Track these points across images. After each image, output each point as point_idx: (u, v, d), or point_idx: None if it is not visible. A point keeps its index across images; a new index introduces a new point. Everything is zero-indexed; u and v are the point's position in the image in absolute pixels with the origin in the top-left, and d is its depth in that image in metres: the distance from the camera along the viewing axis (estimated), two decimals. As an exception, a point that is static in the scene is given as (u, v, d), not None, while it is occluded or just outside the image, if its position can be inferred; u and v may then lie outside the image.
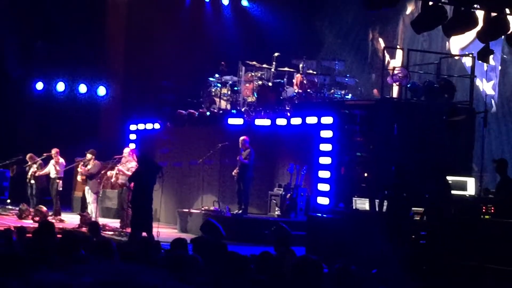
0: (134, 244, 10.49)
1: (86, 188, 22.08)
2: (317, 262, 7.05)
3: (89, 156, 21.88)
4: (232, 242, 11.47)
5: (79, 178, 22.64)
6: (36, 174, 23.43)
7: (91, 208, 21.55)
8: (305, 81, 22.54)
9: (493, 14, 14.33)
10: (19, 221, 21.40)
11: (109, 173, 21.77)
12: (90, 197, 21.73)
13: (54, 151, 23.33)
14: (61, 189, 23.49)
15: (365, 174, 18.46)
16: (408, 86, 19.88)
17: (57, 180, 23.16)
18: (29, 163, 23.71)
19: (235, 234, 17.35)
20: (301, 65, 22.72)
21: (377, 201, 15.32)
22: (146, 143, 25.24)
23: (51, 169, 23.21)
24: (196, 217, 20.72)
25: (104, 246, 8.44)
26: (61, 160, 23.44)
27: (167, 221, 22.24)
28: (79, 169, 22.52)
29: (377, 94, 23.17)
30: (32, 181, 23.63)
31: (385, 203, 15.06)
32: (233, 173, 20.85)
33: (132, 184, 18.02)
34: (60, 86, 29.19)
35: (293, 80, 22.77)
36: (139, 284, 5.73)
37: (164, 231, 18.55)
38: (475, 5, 14.15)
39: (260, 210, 21.23)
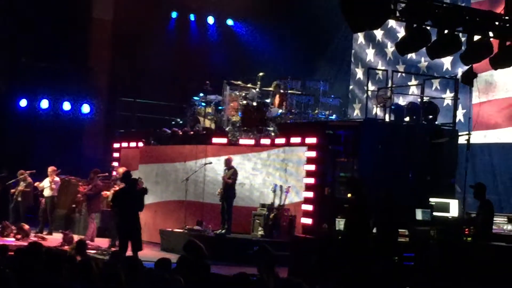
0: (115, 263, 10.41)
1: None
2: (299, 285, 7.03)
3: (92, 175, 21.96)
4: (215, 262, 11.43)
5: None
6: (39, 188, 23.51)
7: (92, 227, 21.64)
8: (278, 101, 22.60)
9: (477, 37, 14.44)
10: (1, 238, 21.30)
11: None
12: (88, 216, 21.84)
13: (50, 169, 23.46)
14: (43, 206, 23.57)
15: (349, 195, 18.46)
16: (392, 107, 19.96)
17: (41, 198, 23.31)
18: (18, 178, 23.70)
19: (218, 254, 17.29)
20: (274, 84, 22.80)
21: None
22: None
23: (46, 187, 23.32)
24: (179, 236, 20.64)
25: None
26: (57, 178, 23.55)
27: (149, 239, 22.15)
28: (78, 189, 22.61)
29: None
30: (19, 198, 23.62)
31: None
32: (216, 193, 20.85)
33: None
34: (44, 103, 29.05)
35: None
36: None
37: (146, 250, 18.48)
38: (459, 28, 14.25)
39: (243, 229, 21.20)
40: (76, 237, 20.00)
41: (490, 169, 22.34)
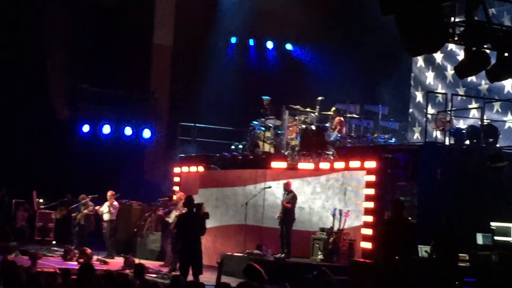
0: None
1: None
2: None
3: (165, 201, 22.60)
4: (275, 287, 11.45)
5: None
6: (99, 212, 23.87)
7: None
8: (338, 127, 22.59)
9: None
10: (64, 262, 21.62)
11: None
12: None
13: (110, 193, 23.81)
14: (104, 231, 23.90)
15: (409, 219, 18.36)
16: (452, 131, 19.83)
17: (103, 222, 23.69)
18: (80, 202, 24.08)
19: (278, 278, 17.29)
20: (333, 109, 22.84)
21: (421, 247, 15.27)
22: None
23: (106, 212, 23.68)
24: (238, 260, 20.67)
25: None
26: (115, 202, 23.87)
27: (209, 263, 22.24)
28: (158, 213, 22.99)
29: None
30: (82, 222, 23.98)
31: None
32: (276, 217, 20.90)
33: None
34: (106, 129, 29.44)
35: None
36: None
37: (206, 274, 18.55)
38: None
39: (302, 253, 21.17)
40: (137, 261, 20.15)
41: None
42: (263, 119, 23.97)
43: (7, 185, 25.35)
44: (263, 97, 24.30)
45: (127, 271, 18.46)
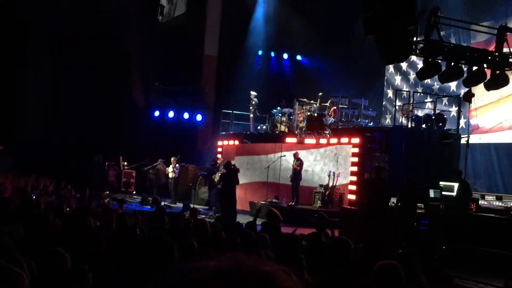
0: (220, 225, 10.56)
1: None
2: (347, 242, 7.04)
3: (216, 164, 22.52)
4: (287, 225, 11.45)
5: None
6: (166, 172, 24.17)
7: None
8: (333, 114, 22.43)
9: (475, 67, 14.19)
10: (142, 206, 21.74)
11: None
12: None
13: (173, 158, 24.02)
14: (169, 185, 24.00)
15: (366, 175, 18.39)
16: (413, 117, 19.70)
17: (169, 179, 23.92)
18: (155, 164, 24.37)
19: (289, 220, 17.34)
20: (329, 101, 22.73)
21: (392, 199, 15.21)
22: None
23: (171, 172, 23.86)
24: (262, 206, 20.68)
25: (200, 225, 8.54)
26: (177, 165, 24.03)
27: (242, 208, 22.28)
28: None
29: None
30: (153, 178, 24.18)
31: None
32: (288, 176, 20.92)
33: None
34: (171, 114, 29.50)
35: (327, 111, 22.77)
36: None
37: (240, 216, 18.58)
38: (462, 61, 14.02)
39: (307, 202, 21.19)
40: (192, 206, 20.22)
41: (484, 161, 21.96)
42: (280, 108, 23.91)
43: (102, 152, 25.40)
44: (251, 92, 24.35)
45: (185, 212, 18.54)
